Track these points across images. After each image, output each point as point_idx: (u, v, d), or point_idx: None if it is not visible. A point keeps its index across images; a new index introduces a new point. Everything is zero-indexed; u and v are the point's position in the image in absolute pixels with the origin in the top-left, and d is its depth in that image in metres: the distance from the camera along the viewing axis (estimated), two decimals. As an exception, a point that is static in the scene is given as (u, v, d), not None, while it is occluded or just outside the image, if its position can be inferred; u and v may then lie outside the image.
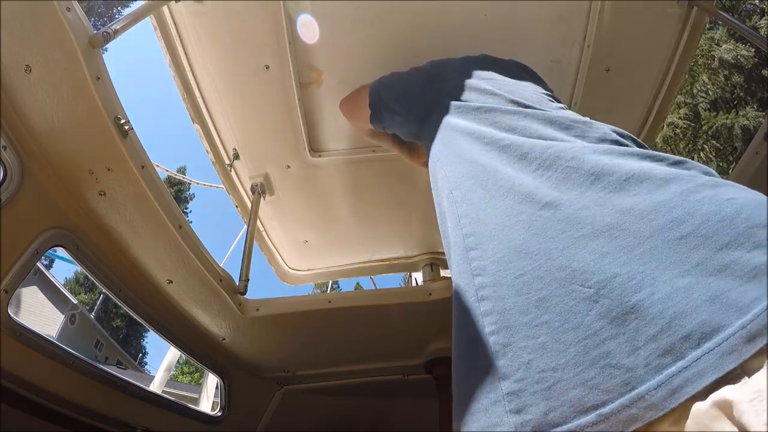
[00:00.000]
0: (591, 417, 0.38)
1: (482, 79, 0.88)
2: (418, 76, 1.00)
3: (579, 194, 0.51)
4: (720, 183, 0.47)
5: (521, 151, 0.62)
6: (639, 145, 0.63)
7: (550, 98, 0.85)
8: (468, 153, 0.70)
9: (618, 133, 0.64)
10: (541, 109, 0.73)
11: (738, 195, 0.44)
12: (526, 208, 0.54)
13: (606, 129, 0.64)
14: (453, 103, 0.84)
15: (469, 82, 0.88)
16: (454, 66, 0.97)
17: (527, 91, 0.83)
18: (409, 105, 0.98)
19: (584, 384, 0.39)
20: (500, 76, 0.91)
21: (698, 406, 0.35)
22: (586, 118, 0.69)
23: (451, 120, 0.81)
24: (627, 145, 0.61)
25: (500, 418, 0.43)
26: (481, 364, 0.47)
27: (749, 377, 0.34)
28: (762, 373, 0.34)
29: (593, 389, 0.39)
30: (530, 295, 0.47)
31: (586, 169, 0.53)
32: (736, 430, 0.32)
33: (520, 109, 0.73)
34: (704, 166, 0.53)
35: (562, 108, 0.80)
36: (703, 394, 0.35)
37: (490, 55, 1.03)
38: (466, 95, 0.84)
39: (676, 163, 0.52)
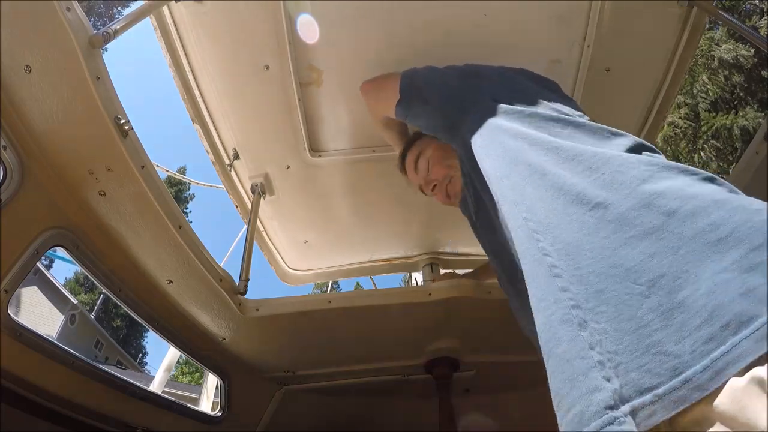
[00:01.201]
0: (648, 397, 0.44)
1: (522, 86, 0.91)
2: (457, 72, 1.01)
3: (625, 196, 0.56)
4: (745, 197, 0.54)
5: (569, 153, 0.66)
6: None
7: (580, 111, 0.88)
8: (513, 151, 0.73)
9: (646, 145, 0.69)
10: (580, 118, 0.76)
11: (763, 206, 0.50)
12: (576, 208, 0.59)
13: (640, 140, 0.69)
14: (493, 102, 0.86)
15: (507, 85, 0.91)
16: (492, 69, 1.01)
17: (565, 102, 0.86)
18: (444, 97, 0.98)
19: (640, 368, 0.45)
20: (537, 86, 0.94)
21: (734, 383, 0.40)
22: (622, 131, 0.73)
23: (492, 119, 0.82)
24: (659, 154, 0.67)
25: (599, 383, 0.47)
26: (568, 332, 0.52)
27: None
28: None
29: (648, 373, 0.44)
30: (589, 287, 0.52)
31: (632, 174, 0.58)
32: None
33: (563, 116, 0.76)
34: (729, 183, 0.59)
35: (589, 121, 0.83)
36: (739, 374, 0.40)
37: (527, 69, 1.05)
38: (505, 97, 0.86)
39: (707, 179, 0.58)
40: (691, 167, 0.60)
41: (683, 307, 0.45)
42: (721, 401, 0.40)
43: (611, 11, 1.29)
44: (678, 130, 9.00)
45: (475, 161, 0.82)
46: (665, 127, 8.56)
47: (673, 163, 0.61)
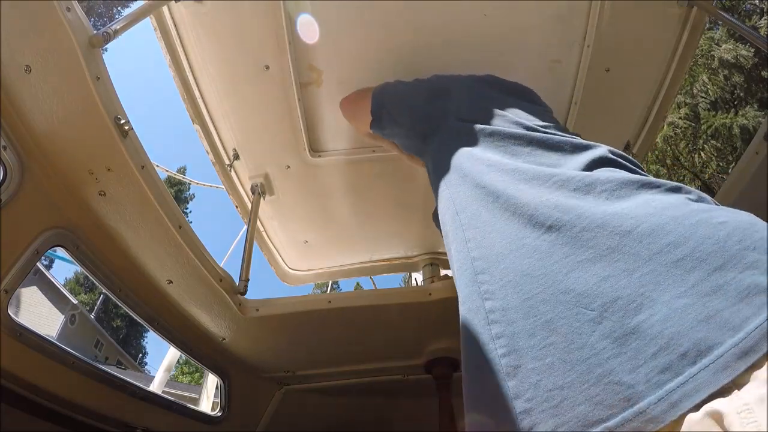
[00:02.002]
0: (597, 430, 0.41)
1: (487, 99, 0.89)
2: (423, 90, 1.00)
3: (577, 216, 0.54)
4: (712, 208, 0.51)
5: (525, 176, 0.64)
6: (634, 165, 0.67)
7: (552, 119, 0.87)
8: (471, 175, 0.71)
9: (615, 154, 0.67)
10: (544, 132, 0.74)
11: (729, 218, 0.47)
12: (530, 232, 0.56)
13: (605, 152, 0.67)
14: (457, 122, 0.85)
15: (474, 100, 0.90)
16: (460, 83, 0.98)
17: (532, 112, 0.85)
18: (413, 119, 0.98)
19: (590, 400, 0.42)
20: (506, 96, 0.93)
21: (692, 417, 0.38)
22: (587, 141, 0.72)
23: (454, 141, 0.82)
24: (626, 166, 0.65)
25: None
26: (493, 385, 0.50)
27: (739, 390, 0.37)
28: (751, 386, 0.36)
29: (598, 405, 0.42)
30: (537, 318, 0.49)
31: (588, 194, 0.56)
32: None
33: (524, 132, 0.74)
34: (698, 192, 0.56)
35: (563, 128, 0.82)
36: (696, 407, 0.38)
37: (495, 76, 1.04)
38: (470, 114, 0.85)
39: (671, 189, 0.55)
40: (655, 180, 0.57)
41: (638, 333, 0.42)
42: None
43: (611, 11, 1.29)
44: (678, 130, 9.00)
45: (438, 183, 0.82)
46: (665, 127, 8.56)
47: (635, 176, 0.58)
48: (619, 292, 0.46)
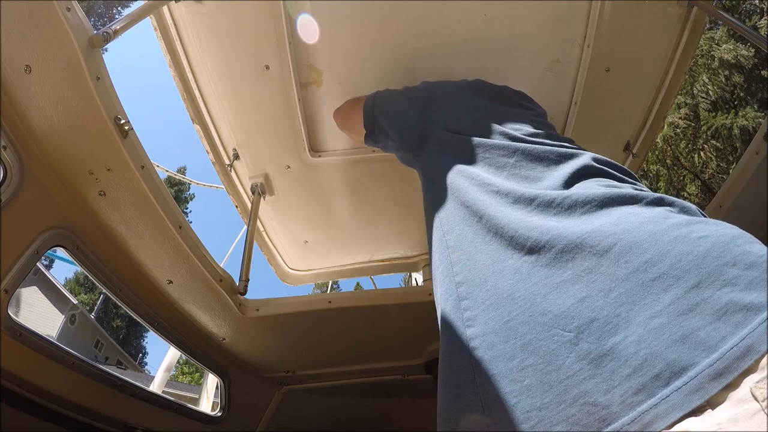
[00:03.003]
0: None
1: (475, 108, 0.90)
2: (413, 102, 1.00)
3: (556, 237, 0.54)
4: (693, 221, 0.50)
5: (509, 199, 0.64)
6: (620, 171, 0.67)
7: (542, 124, 0.86)
8: (457, 193, 0.72)
9: (600, 162, 0.67)
10: (530, 143, 0.74)
11: (711, 232, 0.47)
12: (512, 253, 0.57)
13: (589, 161, 0.67)
14: (443, 133, 0.85)
15: (462, 110, 0.90)
16: (448, 92, 0.98)
17: (520, 119, 0.85)
18: (402, 133, 0.99)
19: (566, 420, 0.43)
20: (493, 103, 0.93)
21: None
22: (574, 150, 0.72)
23: (441, 153, 0.82)
24: (611, 174, 0.65)
25: None
26: (471, 409, 0.50)
27: (713, 410, 0.37)
28: (725, 406, 0.36)
29: (574, 425, 0.42)
30: (516, 341, 0.49)
31: (568, 213, 0.57)
32: None
33: (509, 143, 0.75)
34: (684, 202, 0.56)
35: (551, 134, 0.82)
36: (669, 426, 0.38)
37: (484, 81, 1.04)
38: (456, 124, 0.86)
39: (652, 202, 0.55)
40: (636, 192, 0.57)
41: (613, 355, 0.43)
42: None
43: (611, 11, 1.29)
44: (678, 130, 9.00)
45: (426, 197, 0.83)
46: (665, 127, 8.56)
47: (616, 191, 0.58)
48: (595, 313, 0.46)
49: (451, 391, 0.55)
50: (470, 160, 0.75)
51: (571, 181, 0.64)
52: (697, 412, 0.37)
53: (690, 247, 0.45)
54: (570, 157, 0.69)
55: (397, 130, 1.00)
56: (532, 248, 0.55)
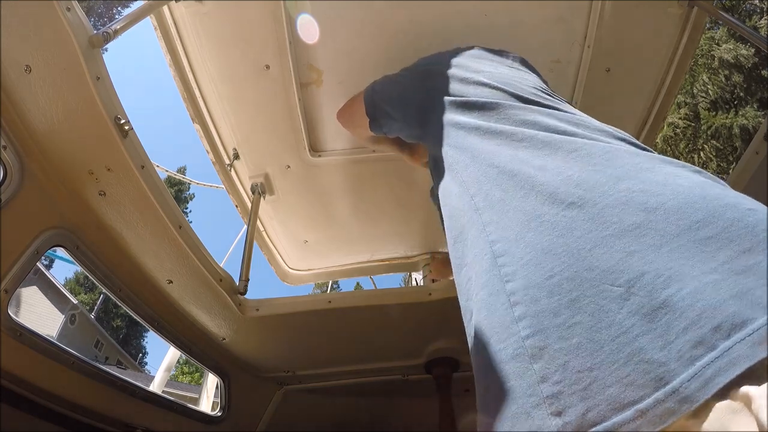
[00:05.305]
0: (629, 413, 0.39)
1: (477, 72, 0.85)
2: (411, 77, 0.99)
3: (602, 193, 0.51)
4: (738, 194, 0.49)
5: (541, 143, 0.61)
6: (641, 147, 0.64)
7: (549, 93, 0.83)
8: (481, 153, 0.68)
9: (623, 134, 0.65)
10: (546, 106, 0.71)
11: (757, 207, 0.46)
12: (548, 209, 0.54)
13: (612, 129, 0.65)
14: (451, 99, 0.81)
15: (463, 75, 0.85)
16: (446, 60, 0.94)
17: (527, 84, 0.81)
18: (406, 108, 0.97)
19: (620, 381, 0.40)
20: (496, 68, 0.89)
21: (720, 405, 0.36)
22: (591, 118, 0.69)
23: (453, 118, 0.78)
24: (639, 145, 0.62)
25: (543, 421, 0.43)
26: (515, 369, 0.47)
27: None
28: None
29: (629, 386, 0.39)
30: (562, 297, 0.47)
31: (611, 168, 0.54)
32: (755, 424, 0.33)
33: (524, 105, 0.72)
34: (716, 178, 0.54)
35: (561, 102, 0.78)
36: (723, 393, 0.36)
37: (482, 47, 1.00)
38: (462, 90, 0.82)
39: (695, 171, 0.54)
40: (679, 160, 0.56)
41: (667, 307, 0.40)
42: (709, 419, 0.36)
43: (611, 11, 1.29)
44: (678, 130, 8.99)
45: (442, 165, 0.79)
46: (665, 127, 8.56)
47: (658, 155, 0.57)
48: (646, 266, 0.44)
49: (492, 348, 0.51)
50: (487, 121, 0.72)
51: (605, 138, 0.61)
52: (754, 378, 0.35)
53: (740, 215, 0.44)
54: (589, 121, 0.66)
55: (400, 108, 0.99)
56: (573, 203, 0.52)
